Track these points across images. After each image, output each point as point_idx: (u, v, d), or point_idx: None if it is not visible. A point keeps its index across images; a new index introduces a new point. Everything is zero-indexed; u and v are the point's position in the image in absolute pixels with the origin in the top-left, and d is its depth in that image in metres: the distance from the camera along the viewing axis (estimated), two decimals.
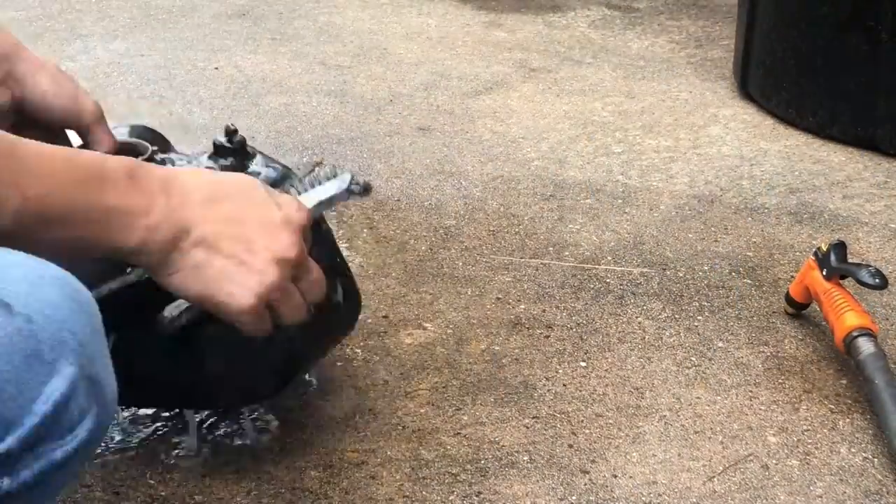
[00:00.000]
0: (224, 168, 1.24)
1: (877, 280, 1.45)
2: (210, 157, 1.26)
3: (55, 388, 0.71)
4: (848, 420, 1.39)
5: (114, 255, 0.87)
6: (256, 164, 1.25)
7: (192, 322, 1.07)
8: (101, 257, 0.89)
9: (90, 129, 1.15)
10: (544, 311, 1.62)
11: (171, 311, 1.07)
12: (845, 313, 1.45)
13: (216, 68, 2.68)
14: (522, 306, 1.64)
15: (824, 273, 1.51)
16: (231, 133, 1.25)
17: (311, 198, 1.11)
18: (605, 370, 1.48)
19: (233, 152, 1.25)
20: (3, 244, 0.77)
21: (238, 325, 0.94)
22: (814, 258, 1.54)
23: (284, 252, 0.94)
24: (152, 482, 1.24)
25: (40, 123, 1.14)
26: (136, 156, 1.11)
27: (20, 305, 0.72)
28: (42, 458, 0.70)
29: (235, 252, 0.91)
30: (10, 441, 0.68)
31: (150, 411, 1.36)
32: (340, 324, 1.32)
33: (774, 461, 1.31)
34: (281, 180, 1.24)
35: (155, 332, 1.09)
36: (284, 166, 1.28)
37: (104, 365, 0.77)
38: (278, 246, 0.93)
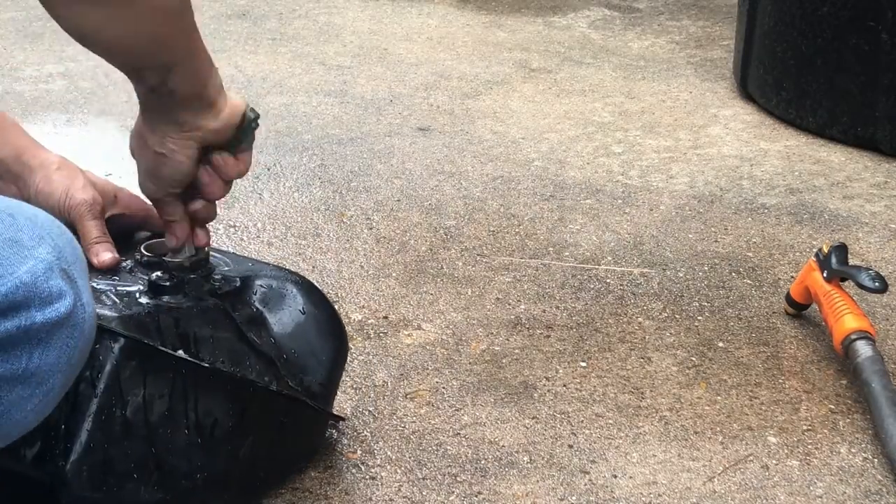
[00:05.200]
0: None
1: (877, 284, 1.45)
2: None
3: (33, 265, 0.86)
4: (848, 420, 1.39)
5: None
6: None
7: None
8: None
9: (75, 225, 1.19)
10: (544, 311, 1.62)
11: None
12: (844, 316, 1.45)
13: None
14: (522, 306, 1.63)
15: (825, 275, 1.51)
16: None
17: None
18: (605, 370, 1.48)
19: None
20: None
21: None
22: (815, 259, 1.54)
23: None
24: None
25: None
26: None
27: (6, 208, 0.89)
28: (23, 315, 0.84)
29: None
30: None
31: None
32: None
33: (774, 461, 1.31)
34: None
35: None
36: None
37: (81, 272, 0.90)
38: None
